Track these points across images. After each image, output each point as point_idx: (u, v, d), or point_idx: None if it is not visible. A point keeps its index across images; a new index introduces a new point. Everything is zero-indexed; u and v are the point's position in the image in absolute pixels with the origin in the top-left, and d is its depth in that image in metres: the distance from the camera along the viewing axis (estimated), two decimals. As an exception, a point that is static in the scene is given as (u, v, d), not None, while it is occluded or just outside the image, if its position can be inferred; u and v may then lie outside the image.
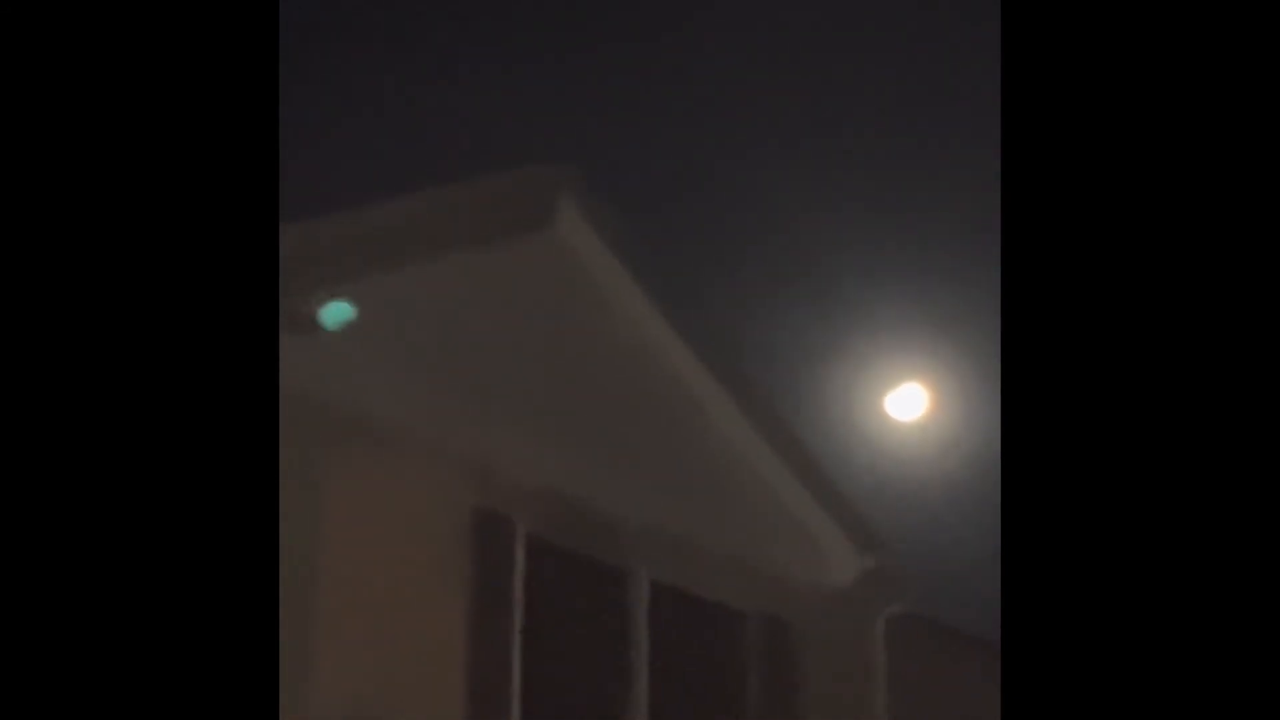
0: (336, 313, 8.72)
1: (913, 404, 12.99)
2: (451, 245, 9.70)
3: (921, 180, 16.99)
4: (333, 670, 8.58)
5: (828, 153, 17.70)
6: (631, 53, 17.17)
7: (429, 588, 9.20)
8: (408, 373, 9.30)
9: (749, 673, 11.11)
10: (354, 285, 8.88)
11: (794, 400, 12.43)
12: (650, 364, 10.91)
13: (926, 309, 15.46)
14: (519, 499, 9.72)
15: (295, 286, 8.16)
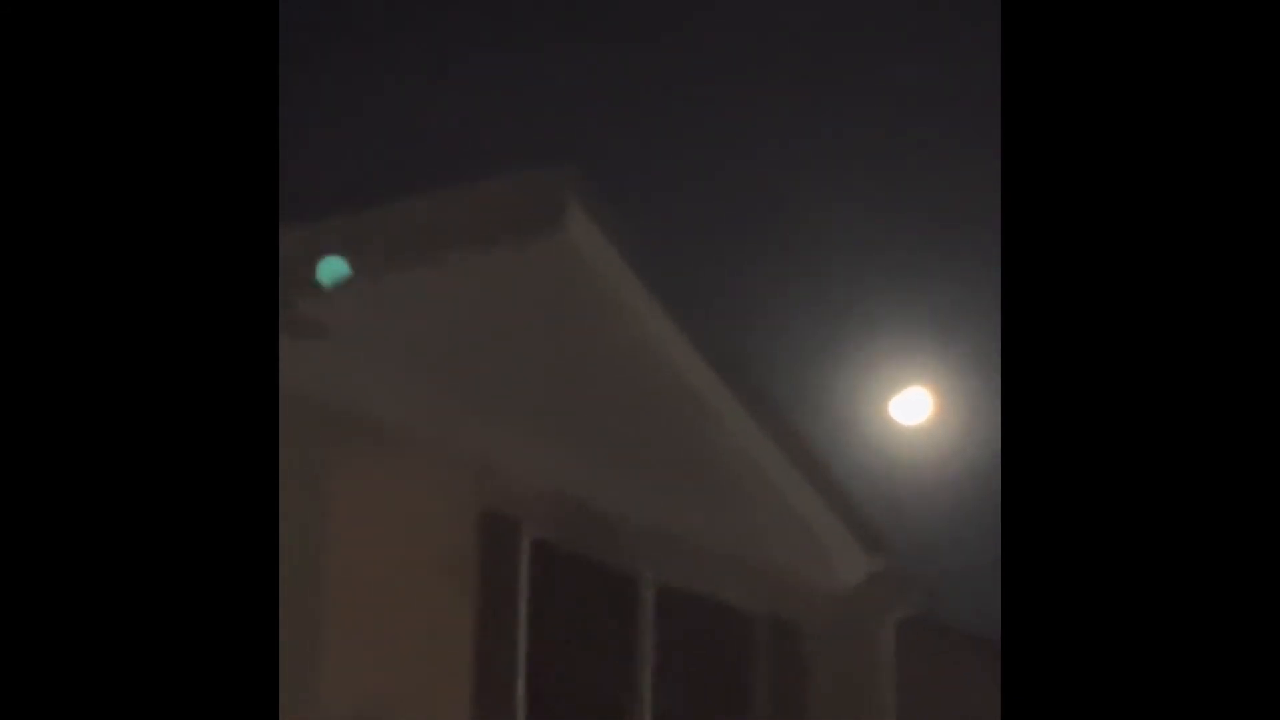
0: (332, 268, 8.61)
1: (918, 407, 12.99)
2: (459, 246, 9.70)
3: (930, 184, 16.97)
4: (337, 671, 8.59)
5: (837, 155, 17.68)
6: (636, 54, 17.16)
7: (434, 589, 9.20)
8: (415, 375, 9.30)
9: (755, 674, 11.10)
10: (359, 286, 8.87)
11: (800, 402, 12.42)
12: (656, 366, 10.90)
13: (932, 312, 15.45)
14: (525, 500, 9.71)
15: (295, 287, 8.15)
